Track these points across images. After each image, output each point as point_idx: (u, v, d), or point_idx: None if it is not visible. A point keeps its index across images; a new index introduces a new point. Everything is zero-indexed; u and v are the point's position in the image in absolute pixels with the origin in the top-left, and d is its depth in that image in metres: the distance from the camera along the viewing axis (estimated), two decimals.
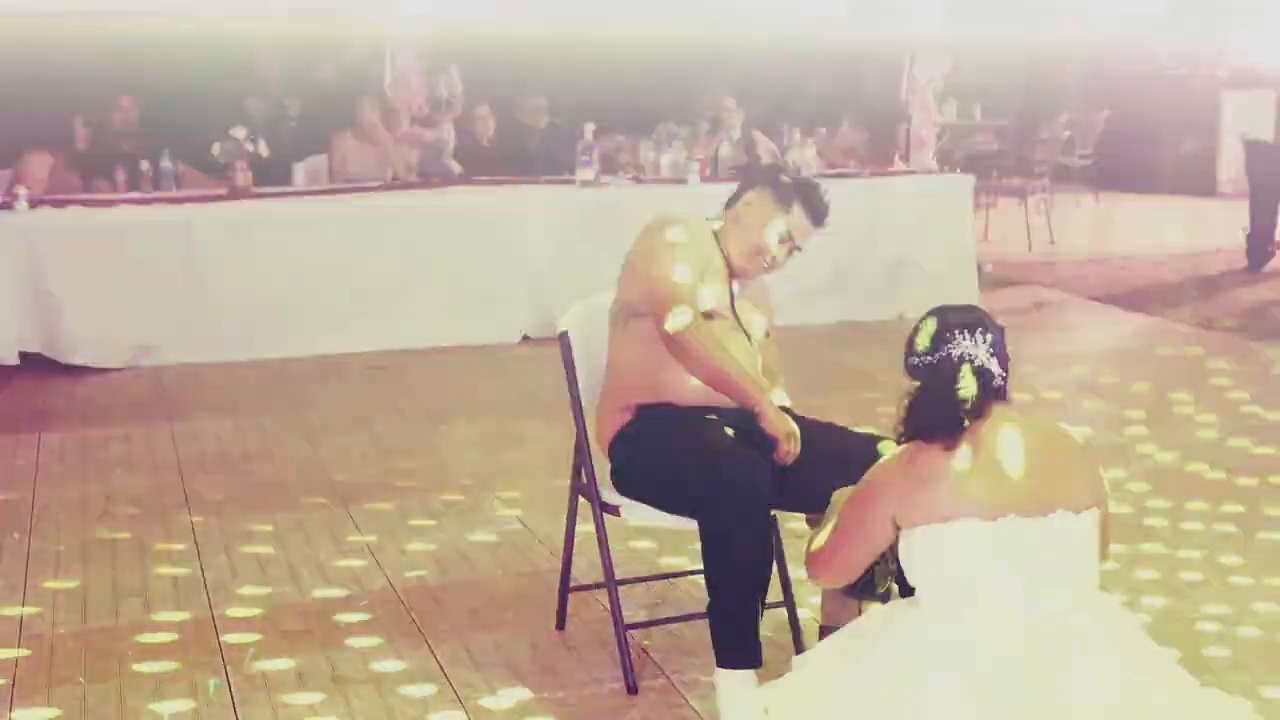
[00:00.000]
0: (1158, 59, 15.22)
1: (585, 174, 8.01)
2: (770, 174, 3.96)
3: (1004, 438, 2.86)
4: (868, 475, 2.96)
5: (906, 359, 3.01)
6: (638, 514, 3.75)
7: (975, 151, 12.83)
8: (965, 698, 2.70)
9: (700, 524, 3.52)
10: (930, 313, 3.03)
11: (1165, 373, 7.28)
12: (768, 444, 3.60)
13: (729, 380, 3.67)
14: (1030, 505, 2.80)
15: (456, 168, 9.14)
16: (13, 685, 3.79)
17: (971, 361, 2.90)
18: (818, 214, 3.86)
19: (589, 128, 8.03)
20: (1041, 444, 2.89)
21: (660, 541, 4.79)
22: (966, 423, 2.84)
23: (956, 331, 2.93)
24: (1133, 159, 14.41)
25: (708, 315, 3.73)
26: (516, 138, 9.71)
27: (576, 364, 3.88)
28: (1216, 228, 11.85)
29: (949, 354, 2.92)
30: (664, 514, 3.70)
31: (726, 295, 3.84)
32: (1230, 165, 13.60)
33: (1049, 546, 2.80)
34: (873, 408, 5.73)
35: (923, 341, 2.97)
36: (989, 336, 2.95)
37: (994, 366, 2.93)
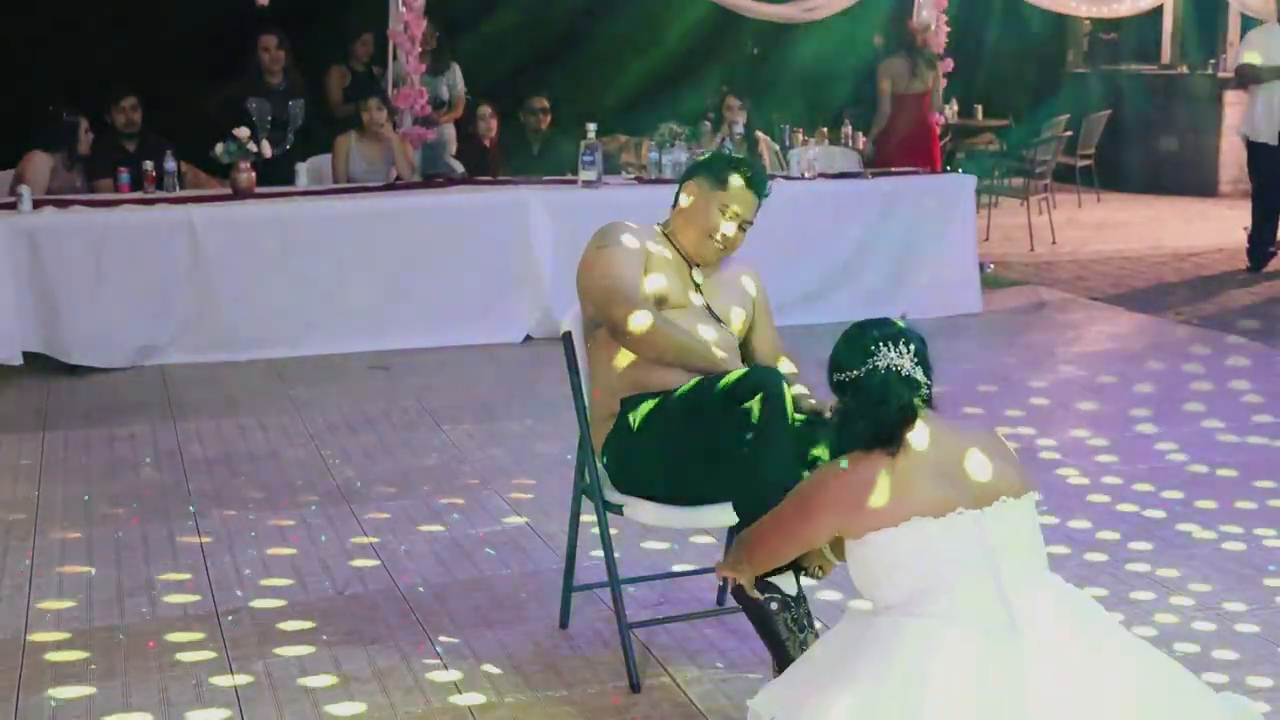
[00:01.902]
0: (1159, 58, 15.25)
1: (587, 174, 8.01)
2: (700, 161, 4.10)
3: (936, 440, 2.95)
4: (808, 484, 3.03)
5: (831, 377, 3.07)
6: (641, 513, 3.77)
7: (977, 151, 12.83)
8: (961, 694, 2.73)
9: (726, 456, 3.49)
10: (848, 329, 3.09)
11: (1166, 372, 7.30)
12: None
13: (695, 354, 3.73)
14: (974, 498, 2.88)
15: (459, 168, 9.15)
16: (17, 685, 3.81)
17: (898, 371, 2.98)
18: (755, 184, 3.94)
19: (591, 127, 8.03)
20: (969, 442, 2.99)
21: (664, 540, 4.81)
22: (901, 432, 2.91)
23: (880, 344, 2.99)
24: (1134, 159, 14.42)
25: (662, 304, 3.81)
26: (518, 138, 9.72)
27: (579, 364, 3.90)
28: (1218, 227, 11.87)
29: (875, 366, 2.98)
30: (668, 511, 3.72)
31: (688, 286, 3.91)
32: (1231, 165, 13.61)
33: (999, 534, 2.88)
34: None
35: (846, 358, 3.03)
36: (912, 346, 3.02)
37: (919, 375, 3.01)
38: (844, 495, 2.93)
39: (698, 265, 3.96)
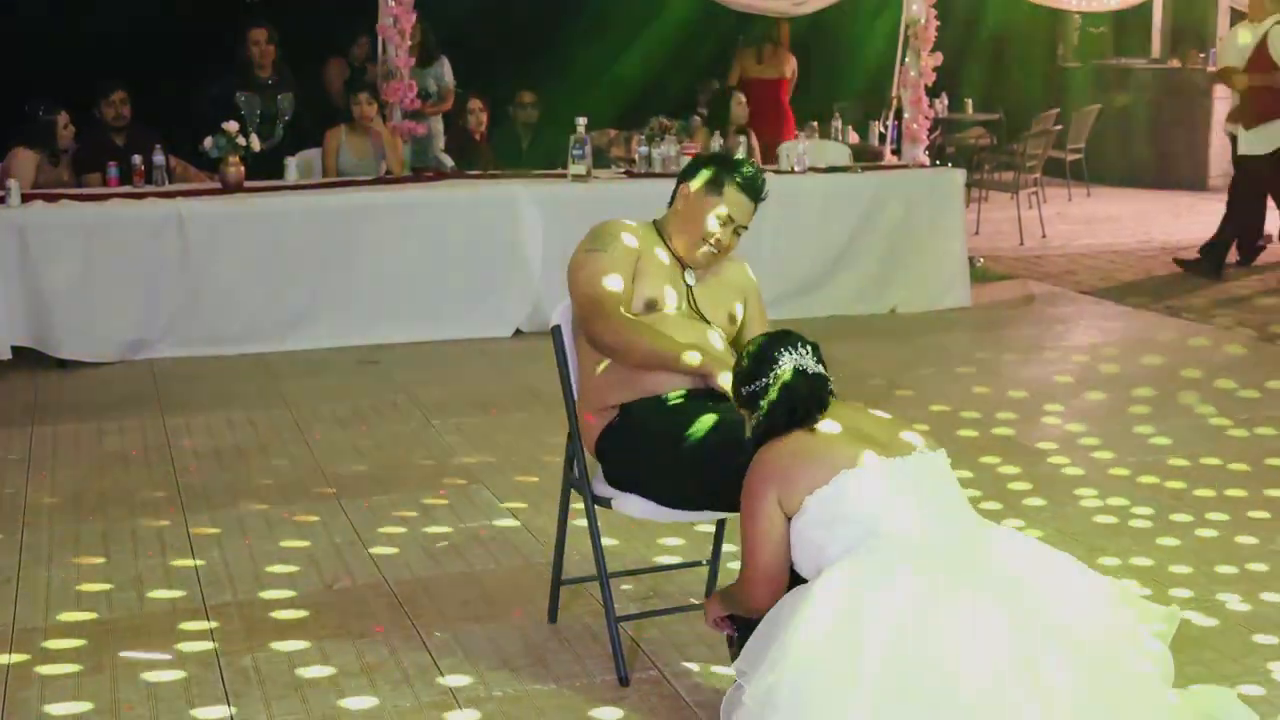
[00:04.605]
0: (1149, 52, 15.27)
1: (577, 168, 8.01)
2: (699, 162, 3.99)
3: (846, 414, 3.28)
4: (744, 484, 3.23)
5: (741, 392, 3.33)
6: (630, 506, 3.77)
7: (967, 145, 12.84)
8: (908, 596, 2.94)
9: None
10: (747, 346, 3.38)
11: (1156, 365, 7.32)
12: None
13: (664, 357, 3.70)
14: (891, 450, 3.15)
15: (448, 161, 9.14)
16: (5, 679, 3.81)
17: (804, 370, 3.27)
18: (751, 189, 3.88)
19: (581, 121, 8.03)
20: (876, 414, 3.34)
21: (652, 534, 4.81)
22: (815, 411, 3.23)
23: (780, 350, 3.29)
24: (1124, 153, 14.44)
25: (651, 306, 3.79)
26: (507, 131, 9.71)
27: (569, 358, 3.90)
28: (1207, 221, 11.88)
29: (783, 369, 3.26)
30: (657, 506, 3.72)
31: (680, 289, 3.87)
32: (1220, 159, 13.63)
33: (923, 480, 3.14)
34: (865, 403, 5.74)
35: (754, 370, 3.30)
36: (809, 347, 3.32)
37: (822, 369, 3.30)
38: (774, 468, 3.16)
39: (689, 267, 3.93)
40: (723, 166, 3.93)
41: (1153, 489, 5.38)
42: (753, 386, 3.29)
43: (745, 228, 3.93)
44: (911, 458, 3.17)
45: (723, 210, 3.86)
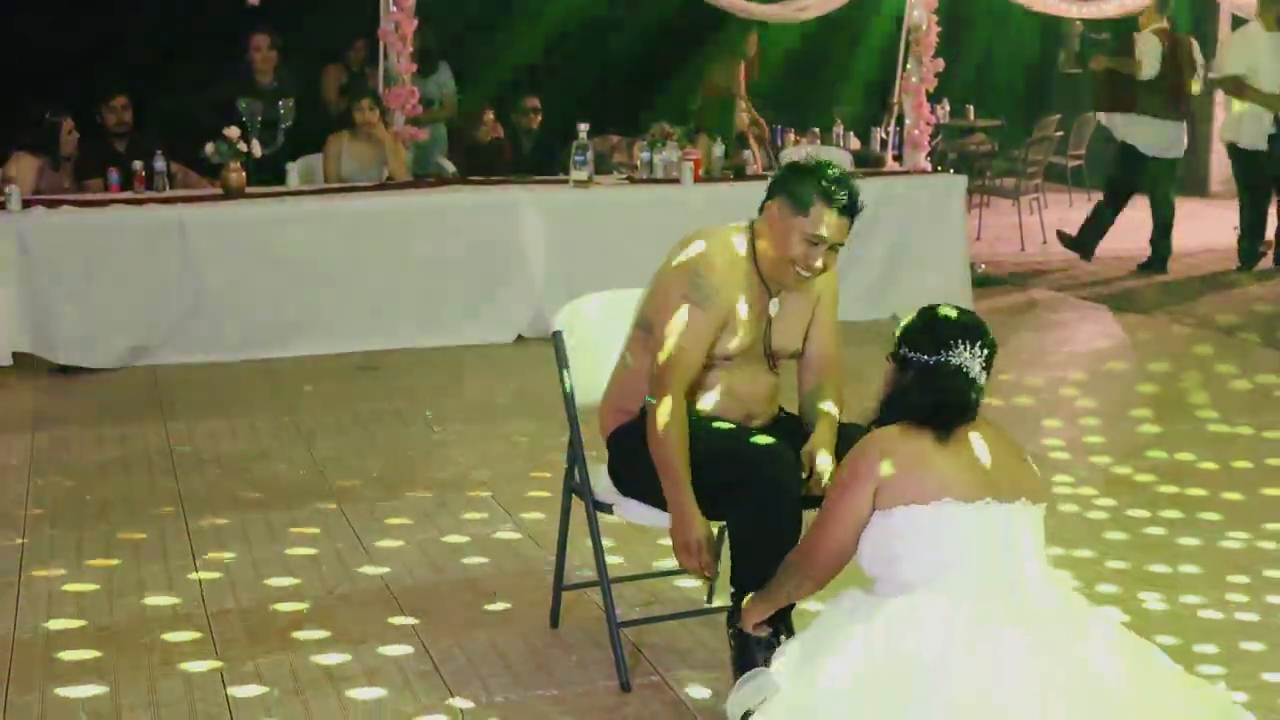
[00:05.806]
0: None
1: (579, 174, 8.01)
2: (785, 176, 3.67)
3: (975, 436, 3.10)
4: (851, 454, 3.12)
5: (898, 348, 3.15)
6: (631, 512, 3.76)
7: (968, 151, 12.84)
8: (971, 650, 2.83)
9: (730, 520, 3.55)
10: (934, 311, 3.16)
11: (1157, 371, 7.32)
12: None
13: (663, 473, 3.53)
14: (1001, 493, 3.02)
15: (449, 168, 9.14)
16: (7, 685, 3.80)
17: (967, 373, 3.09)
18: (843, 206, 3.58)
19: (583, 127, 8.03)
20: (1001, 445, 3.13)
21: (654, 540, 4.80)
22: (954, 426, 3.07)
23: (959, 341, 3.09)
24: None
25: (727, 358, 3.65)
26: (510, 137, 9.70)
27: (570, 364, 3.88)
28: (1208, 227, 11.88)
29: (947, 360, 3.08)
30: (657, 512, 3.71)
31: (760, 323, 3.68)
32: (1222, 166, 13.60)
33: (1017, 531, 3.03)
34: (865, 406, 5.74)
35: (923, 341, 3.11)
36: (985, 351, 3.11)
37: (982, 380, 3.11)
38: (895, 448, 3.04)
39: (774, 295, 3.69)
40: (808, 181, 3.58)
41: (1121, 481, 5.46)
42: (911, 354, 3.11)
43: (842, 244, 3.64)
44: (1015, 506, 3.03)
45: (809, 230, 3.56)
